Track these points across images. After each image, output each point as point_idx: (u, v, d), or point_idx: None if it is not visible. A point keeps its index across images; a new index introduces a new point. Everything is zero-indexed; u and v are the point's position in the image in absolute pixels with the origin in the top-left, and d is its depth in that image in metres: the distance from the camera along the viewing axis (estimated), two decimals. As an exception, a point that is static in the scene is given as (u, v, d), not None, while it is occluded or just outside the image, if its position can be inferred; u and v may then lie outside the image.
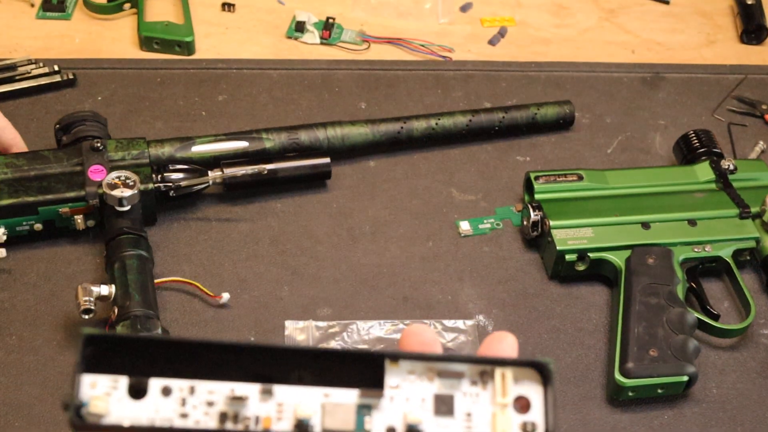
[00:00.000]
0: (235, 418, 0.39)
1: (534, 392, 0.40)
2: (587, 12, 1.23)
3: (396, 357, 0.41)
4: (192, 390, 0.40)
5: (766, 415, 0.82)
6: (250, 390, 0.40)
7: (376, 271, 0.91)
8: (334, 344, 0.84)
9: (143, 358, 0.40)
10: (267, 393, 0.40)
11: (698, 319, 0.84)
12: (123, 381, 0.39)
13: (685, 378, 0.80)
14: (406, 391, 0.41)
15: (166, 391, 0.39)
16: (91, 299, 0.79)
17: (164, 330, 0.79)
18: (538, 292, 0.90)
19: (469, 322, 0.86)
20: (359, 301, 0.88)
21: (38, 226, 0.88)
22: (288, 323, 0.85)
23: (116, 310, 0.79)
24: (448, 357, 0.41)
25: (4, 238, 0.85)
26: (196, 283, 0.87)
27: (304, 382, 0.40)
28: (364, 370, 0.40)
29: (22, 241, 0.89)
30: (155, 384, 0.39)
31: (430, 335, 0.43)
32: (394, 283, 0.90)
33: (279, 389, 0.40)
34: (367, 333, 0.85)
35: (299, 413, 0.39)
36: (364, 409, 0.40)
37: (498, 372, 0.41)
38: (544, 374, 0.40)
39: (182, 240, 0.92)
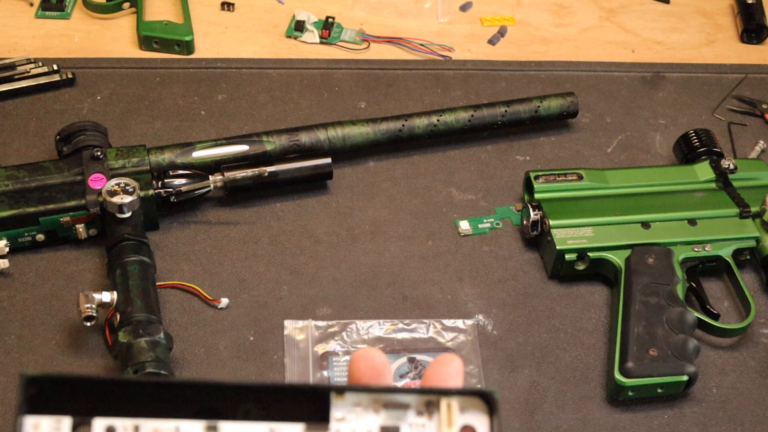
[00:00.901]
0: None
1: (480, 422, 0.40)
2: (587, 11, 1.23)
3: (341, 390, 0.41)
4: (136, 429, 0.39)
5: (765, 415, 0.82)
6: (195, 427, 0.39)
7: (376, 271, 0.91)
8: (333, 344, 0.83)
9: (87, 397, 0.39)
10: (212, 429, 0.39)
11: (698, 318, 0.84)
12: (66, 421, 0.39)
13: (685, 378, 0.80)
14: (352, 424, 0.40)
15: (110, 431, 0.39)
16: (93, 306, 0.79)
17: (167, 335, 0.79)
18: (537, 291, 0.90)
19: (469, 322, 0.86)
20: (359, 300, 0.88)
21: (40, 237, 0.88)
22: (287, 323, 0.85)
23: (118, 316, 0.79)
24: (393, 389, 0.41)
25: (7, 249, 0.85)
26: (195, 287, 0.87)
27: (250, 417, 0.40)
28: (309, 404, 0.40)
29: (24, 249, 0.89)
30: (99, 424, 0.39)
31: (380, 359, 0.43)
32: (394, 282, 0.90)
33: (224, 425, 0.40)
34: (366, 332, 0.85)
35: None
36: None
37: (444, 402, 0.40)
38: (490, 403, 0.40)
39: (182, 240, 0.92)
